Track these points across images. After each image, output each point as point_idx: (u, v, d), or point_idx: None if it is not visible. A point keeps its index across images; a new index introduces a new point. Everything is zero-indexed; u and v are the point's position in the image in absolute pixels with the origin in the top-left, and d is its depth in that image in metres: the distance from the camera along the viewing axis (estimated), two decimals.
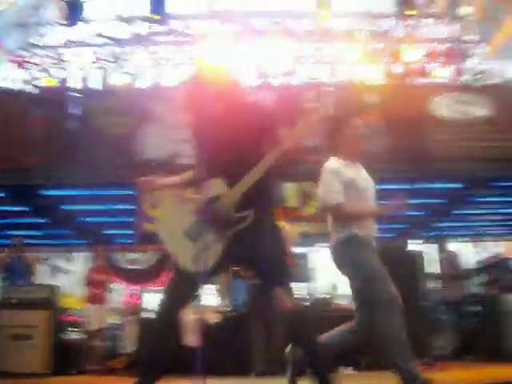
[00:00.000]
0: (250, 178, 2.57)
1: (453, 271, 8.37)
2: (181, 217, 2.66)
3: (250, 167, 2.57)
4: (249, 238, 2.55)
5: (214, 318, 6.47)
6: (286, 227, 5.40)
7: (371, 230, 3.45)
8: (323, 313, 6.80)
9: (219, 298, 7.16)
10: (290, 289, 2.63)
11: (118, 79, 10.52)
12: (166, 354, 2.64)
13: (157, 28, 10.79)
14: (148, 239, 8.36)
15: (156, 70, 10.45)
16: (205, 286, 3.07)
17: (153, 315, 2.96)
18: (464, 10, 12.21)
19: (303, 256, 8.90)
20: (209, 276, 2.57)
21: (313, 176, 8.55)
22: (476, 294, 8.53)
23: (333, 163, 3.51)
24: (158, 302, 2.67)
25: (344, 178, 3.40)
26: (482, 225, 11.54)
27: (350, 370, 6.41)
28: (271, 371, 5.64)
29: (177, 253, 2.62)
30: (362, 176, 3.54)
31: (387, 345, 3.12)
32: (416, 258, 7.01)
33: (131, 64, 10.69)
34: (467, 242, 13.05)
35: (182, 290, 2.62)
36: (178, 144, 7.29)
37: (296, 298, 2.70)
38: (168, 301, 2.64)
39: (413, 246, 7.55)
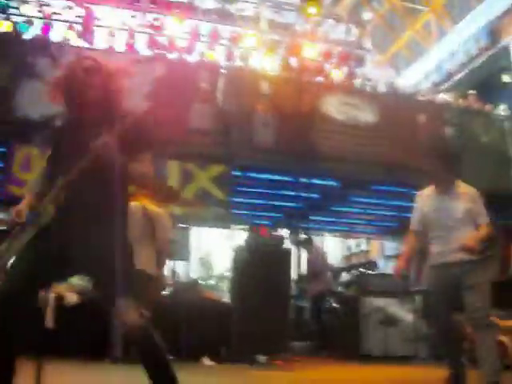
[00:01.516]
0: None
1: (317, 267, 8.60)
2: None
3: None
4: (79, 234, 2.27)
5: (72, 299, 6.06)
6: (159, 210, 5.01)
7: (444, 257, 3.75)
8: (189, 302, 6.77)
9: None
10: (132, 300, 2.24)
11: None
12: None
13: None
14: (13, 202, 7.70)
15: (43, 23, 9.53)
16: None
17: None
18: (365, 15, 12.56)
19: (182, 235, 8.72)
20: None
21: (195, 157, 8.26)
22: (339, 292, 8.84)
23: (423, 192, 3.98)
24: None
25: (420, 207, 3.90)
26: (354, 223, 12.02)
27: (208, 362, 6.38)
28: (126, 358, 5.37)
29: None
30: (441, 206, 3.78)
31: None
32: (285, 255, 7.18)
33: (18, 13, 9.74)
34: (338, 237, 13.60)
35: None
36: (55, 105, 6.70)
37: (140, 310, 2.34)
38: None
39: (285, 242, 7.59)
